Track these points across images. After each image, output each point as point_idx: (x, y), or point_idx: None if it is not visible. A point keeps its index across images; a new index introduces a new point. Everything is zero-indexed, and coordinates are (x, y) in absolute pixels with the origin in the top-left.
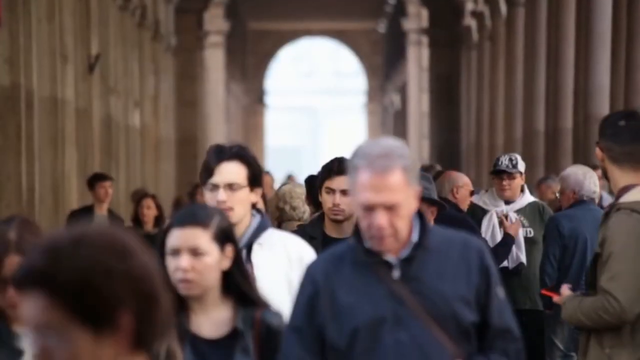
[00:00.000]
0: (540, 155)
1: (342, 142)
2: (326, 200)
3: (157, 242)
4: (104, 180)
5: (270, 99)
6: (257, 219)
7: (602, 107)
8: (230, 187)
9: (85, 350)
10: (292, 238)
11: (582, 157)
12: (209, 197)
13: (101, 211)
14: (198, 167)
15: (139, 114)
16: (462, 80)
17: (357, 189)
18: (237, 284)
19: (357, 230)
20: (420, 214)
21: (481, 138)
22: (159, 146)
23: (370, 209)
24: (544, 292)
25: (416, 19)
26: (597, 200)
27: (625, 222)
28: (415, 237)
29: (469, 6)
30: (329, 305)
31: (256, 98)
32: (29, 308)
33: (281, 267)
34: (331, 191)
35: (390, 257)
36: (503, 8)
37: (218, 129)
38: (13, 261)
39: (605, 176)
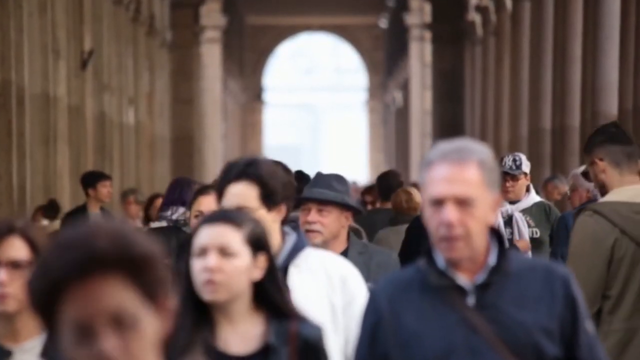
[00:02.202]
0: (547, 154)
1: (343, 141)
2: None
3: (182, 244)
4: (106, 180)
5: (268, 96)
6: (292, 238)
7: (611, 104)
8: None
9: (155, 334)
10: (333, 257)
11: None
12: None
13: (95, 210)
14: (194, 167)
15: (134, 112)
16: (466, 76)
17: (428, 185)
18: (270, 296)
19: (428, 251)
20: (498, 237)
21: (486, 136)
22: (154, 145)
23: (439, 203)
24: None
25: (419, 13)
26: None
27: (583, 223)
28: (492, 260)
29: (473, 0)
30: (393, 335)
31: (254, 95)
32: (103, 297)
33: (322, 290)
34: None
35: (465, 282)
36: (508, 2)
37: (215, 128)
38: (14, 244)
39: (601, 192)
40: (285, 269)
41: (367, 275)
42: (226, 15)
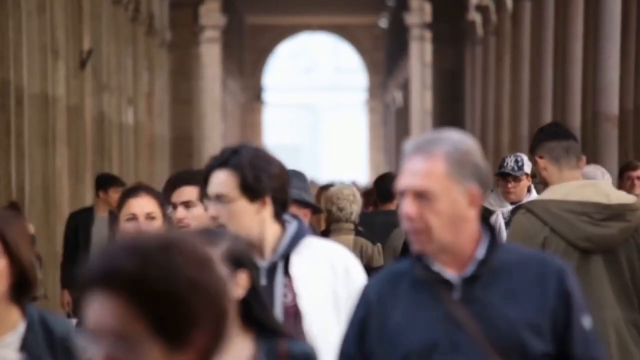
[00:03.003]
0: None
1: (343, 140)
2: (173, 215)
3: None
4: (120, 186)
5: (268, 96)
6: (293, 226)
7: (612, 104)
8: (219, 199)
9: None
10: (336, 247)
11: (590, 155)
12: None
13: (103, 213)
14: (193, 167)
15: (133, 112)
16: (466, 76)
17: (398, 178)
18: (256, 314)
19: None
20: (490, 228)
21: (486, 136)
22: (153, 145)
23: (402, 195)
24: None
25: (419, 13)
26: None
27: (517, 221)
28: (480, 253)
29: (474, 0)
30: (378, 329)
31: (254, 95)
32: (103, 310)
33: (326, 279)
34: (173, 205)
35: (451, 275)
36: (509, 2)
37: (214, 127)
38: None
39: (545, 187)
40: (286, 258)
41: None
42: (225, 14)
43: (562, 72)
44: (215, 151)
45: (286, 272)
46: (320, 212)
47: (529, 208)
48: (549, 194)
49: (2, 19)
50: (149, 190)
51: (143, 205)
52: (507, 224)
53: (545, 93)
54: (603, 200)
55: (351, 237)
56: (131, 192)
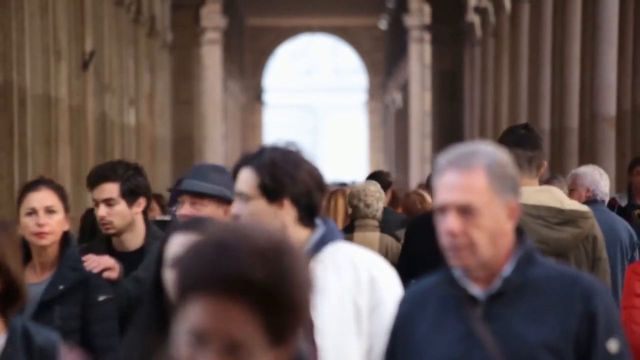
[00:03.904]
0: (546, 155)
1: (343, 141)
2: (95, 212)
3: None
4: None
5: (268, 97)
6: (320, 231)
7: (609, 105)
8: (240, 196)
9: None
10: (364, 254)
11: (588, 156)
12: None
13: None
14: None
15: (135, 113)
16: (465, 77)
17: (436, 192)
18: None
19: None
20: (525, 244)
21: (485, 137)
22: (155, 145)
23: (442, 210)
24: None
25: (418, 14)
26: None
27: None
28: (508, 270)
29: (472, 2)
30: (405, 343)
31: (254, 96)
32: (221, 315)
33: (347, 289)
34: (95, 202)
35: (477, 291)
36: (507, 3)
37: (215, 128)
38: None
39: None
40: None
41: None
42: (226, 16)
43: (560, 73)
44: (217, 153)
45: None
46: None
47: None
48: None
49: (5, 21)
50: (50, 184)
51: (42, 199)
52: None
53: (543, 94)
54: (557, 205)
55: (377, 235)
56: (31, 186)
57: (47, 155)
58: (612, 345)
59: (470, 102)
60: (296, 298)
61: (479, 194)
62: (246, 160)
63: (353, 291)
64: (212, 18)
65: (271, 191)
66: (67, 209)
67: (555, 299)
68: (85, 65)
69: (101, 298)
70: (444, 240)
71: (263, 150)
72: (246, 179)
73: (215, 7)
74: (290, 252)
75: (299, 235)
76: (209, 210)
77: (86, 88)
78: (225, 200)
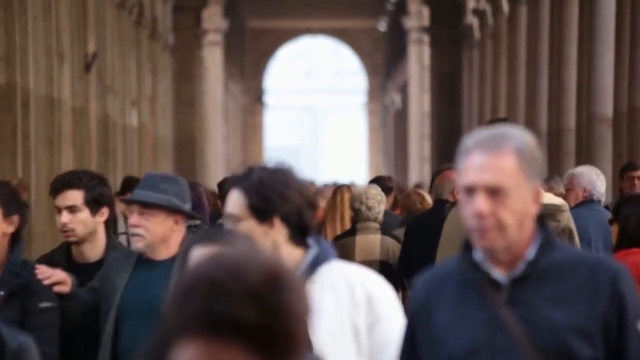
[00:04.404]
0: (543, 156)
1: (342, 142)
2: (57, 220)
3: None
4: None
5: (269, 98)
6: (313, 251)
7: (606, 106)
8: (231, 218)
9: None
10: (359, 272)
11: (585, 157)
12: None
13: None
14: (196, 167)
15: (137, 114)
16: (463, 79)
17: (462, 173)
18: None
19: (466, 243)
20: (545, 228)
21: None
22: (157, 146)
23: (470, 191)
24: None
25: (417, 17)
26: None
27: (452, 215)
28: (531, 253)
29: (471, 4)
30: (424, 330)
31: (255, 97)
32: (215, 358)
33: (343, 309)
34: (57, 209)
35: (500, 275)
36: (505, 6)
37: (216, 129)
38: None
39: None
40: None
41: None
42: (227, 18)
43: (557, 74)
44: (218, 154)
45: None
46: (197, 218)
47: None
48: None
49: (9, 23)
50: None
51: None
52: None
53: (541, 95)
54: None
55: (378, 237)
56: None
57: (50, 156)
58: None
59: (468, 103)
60: (293, 331)
61: (509, 175)
62: (235, 181)
63: (350, 311)
64: (213, 20)
65: (260, 211)
66: (7, 213)
67: (581, 283)
68: (87, 67)
69: (43, 305)
70: (471, 222)
71: (251, 170)
72: (235, 201)
73: (216, 9)
74: (285, 282)
75: (292, 254)
76: (157, 220)
77: (89, 90)
78: (175, 210)
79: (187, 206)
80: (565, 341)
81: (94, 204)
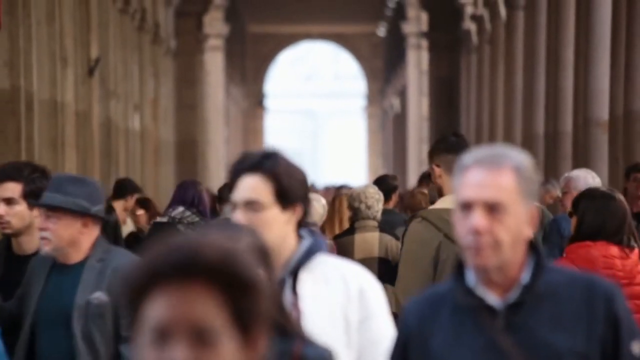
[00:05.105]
0: (540, 159)
1: (342, 146)
2: None
3: None
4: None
5: (269, 102)
6: (307, 241)
7: (602, 110)
8: (251, 206)
9: None
10: (351, 267)
11: (582, 160)
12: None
13: (124, 222)
14: (197, 170)
15: (139, 118)
16: (461, 83)
17: (459, 189)
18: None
19: (459, 265)
20: (537, 251)
21: (481, 142)
22: (159, 150)
23: (467, 207)
24: None
25: (416, 22)
26: None
27: (413, 228)
28: (526, 277)
29: (469, 10)
30: (419, 356)
31: (256, 101)
32: (183, 303)
33: (337, 302)
34: None
35: (495, 301)
36: (503, 11)
37: (217, 133)
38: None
39: (439, 194)
40: (295, 274)
41: (102, 282)
42: (229, 23)
43: (554, 79)
44: (219, 157)
45: (294, 290)
46: (104, 220)
47: (424, 216)
48: (442, 203)
49: (13, 28)
50: None
51: None
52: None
53: (538, 99)
54: None
55: (376, 234)
56: None
57: (54, 160)
58: (636, 347)
59: (466, 107)
60: (253, 280)
61: (508, 192)
62: (250, 166)
63: (343, 303)
64: (215, 25)
65: (287, 197)
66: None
67: (577, 304)
68: (90, 72)
69: None
70: (466, 239)
71: (268, 155)
72: (254, 186)
73: (218, 14)
74: (245, 255)
75: (291, 244)
76: (63, 223)
77: (92, 93)
78: (82, 213)
79: (96, 208)
80: None
81: (32, 197)
